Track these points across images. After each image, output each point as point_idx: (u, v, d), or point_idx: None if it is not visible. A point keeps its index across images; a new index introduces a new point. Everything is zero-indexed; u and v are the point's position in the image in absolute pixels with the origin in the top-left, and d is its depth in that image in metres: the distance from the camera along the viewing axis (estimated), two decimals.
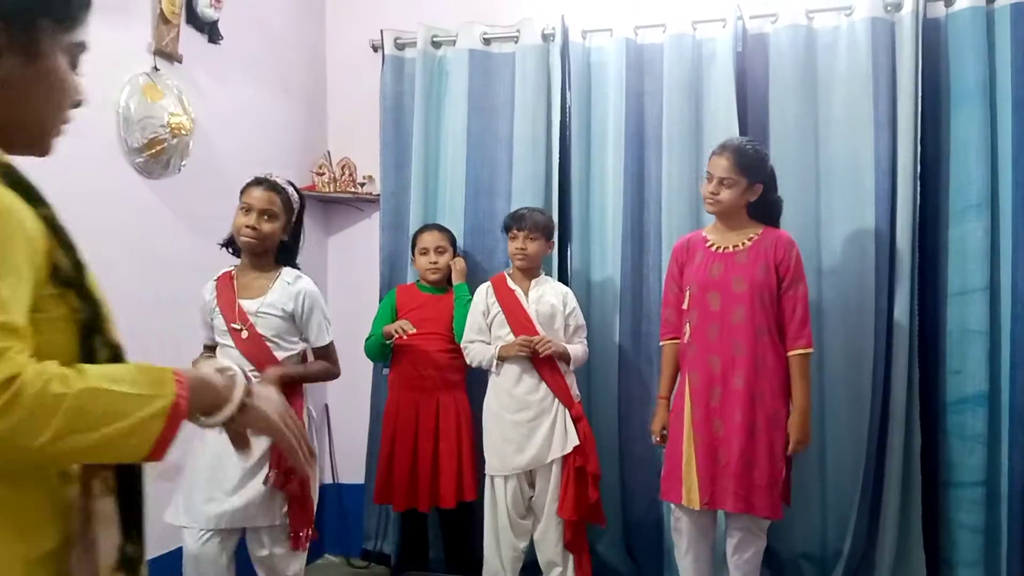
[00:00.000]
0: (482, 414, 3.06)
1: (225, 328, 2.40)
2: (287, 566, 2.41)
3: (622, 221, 3.25)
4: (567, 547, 2.95)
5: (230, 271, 2.49)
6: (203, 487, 2.33)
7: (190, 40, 2.83)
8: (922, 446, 2.93)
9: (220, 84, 3.03)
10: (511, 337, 2.95)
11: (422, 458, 3.07)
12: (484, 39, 3.42)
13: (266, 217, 2.39)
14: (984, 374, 2.90)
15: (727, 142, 2.67)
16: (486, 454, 3.03)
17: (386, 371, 3.23)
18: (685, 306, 2.72)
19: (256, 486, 2.31)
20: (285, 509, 2.36)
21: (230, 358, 2.26)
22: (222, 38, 2.97)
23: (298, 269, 2.54)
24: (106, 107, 2.49)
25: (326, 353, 2.55)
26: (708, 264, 2.68)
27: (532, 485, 2.99)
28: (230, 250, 2.53)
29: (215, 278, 2.49)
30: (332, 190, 3.56)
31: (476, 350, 3.02)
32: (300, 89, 3.60)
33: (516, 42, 3.38)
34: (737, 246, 2.66)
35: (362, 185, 3.64)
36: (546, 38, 3.33)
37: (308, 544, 2.44)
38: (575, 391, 2.98)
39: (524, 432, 2.91)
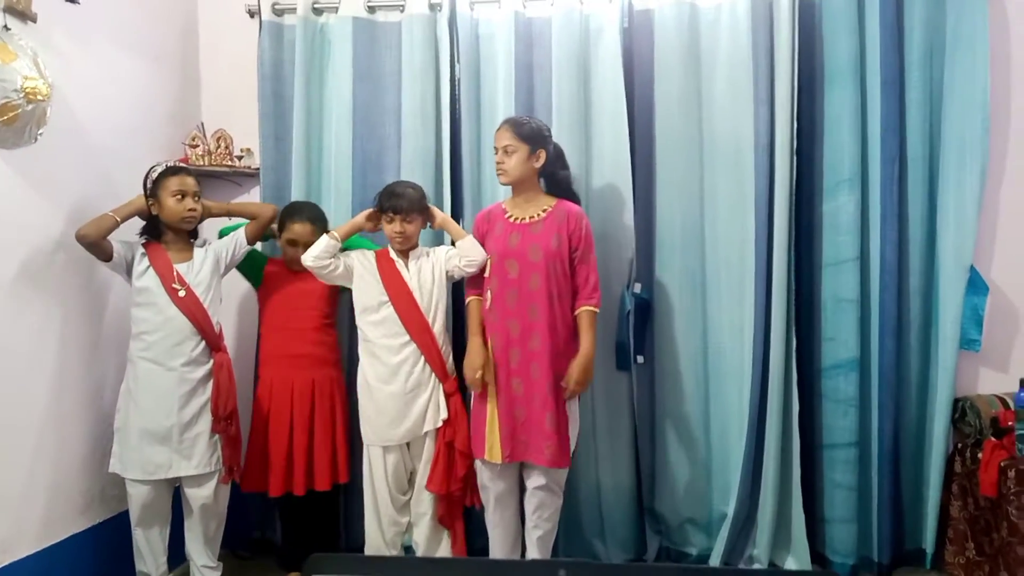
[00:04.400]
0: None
1: (162, 287, 2.72)
2: (216, 501, 2.83)
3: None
4: (440, 521, 2.94)
5: (156, 242, 2.81)
6: (140, 439, 2.68)
7: None
8: (800, 410, 3.05)
9: (81, 47, 2.79)
10: (391, 309, 2.88)
11: (297, 440, 2.97)
12: (368, 7, 3.31)
13: (197, 198, 2.81)
14: (855, 341, 3.04)
15: (507, 118, 2.90)
16: (361, 425, 2.95)
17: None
18: (487, 274, 2.86)
19: (192, 438, 2.72)
20: (218, 455, 2.78)
21: (161, 316, 2.71)
22: None
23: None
24: None
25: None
26: (507, 234, 2.84)
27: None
28: (144, 237, 2.82)
29: (142, 243, 2.80)
30: (207, 163, 3.37)
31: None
32: (170, 55, 3.38)
33: (402, 11, 3.28)
34: (533, 217, 2.83)
35: (240, 158, 3.46)
36: (433, 8, 3.25)
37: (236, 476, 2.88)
38: (450, 365, 2.95)
39: (401, 404, 2.86)
